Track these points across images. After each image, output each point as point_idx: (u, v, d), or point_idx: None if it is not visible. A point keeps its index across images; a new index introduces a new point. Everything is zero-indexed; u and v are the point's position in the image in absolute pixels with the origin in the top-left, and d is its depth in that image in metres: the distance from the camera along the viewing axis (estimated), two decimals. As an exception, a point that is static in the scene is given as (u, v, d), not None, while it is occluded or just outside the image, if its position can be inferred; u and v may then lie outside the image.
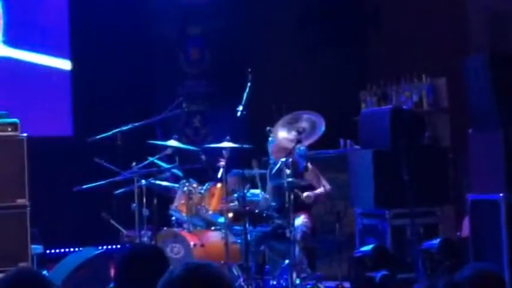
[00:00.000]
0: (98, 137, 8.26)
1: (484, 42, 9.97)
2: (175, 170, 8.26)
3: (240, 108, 7.70)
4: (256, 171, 7.95)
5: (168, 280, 2.49)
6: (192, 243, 7.62)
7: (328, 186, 8.20)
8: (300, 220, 7.88)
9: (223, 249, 7.48)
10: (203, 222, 7.97)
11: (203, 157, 8.29)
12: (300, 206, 7.81)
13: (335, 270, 8.33)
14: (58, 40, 11.13)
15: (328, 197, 8.38)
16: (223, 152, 7.84)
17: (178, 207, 7.96)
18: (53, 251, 10.29)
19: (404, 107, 9.82)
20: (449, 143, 10.13)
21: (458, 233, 8.71)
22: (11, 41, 10.88)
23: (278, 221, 7.78)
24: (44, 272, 7.68)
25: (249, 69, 7.86)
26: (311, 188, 8.07)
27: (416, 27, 10.92)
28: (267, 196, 8.03)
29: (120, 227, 8.15)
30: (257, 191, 8.26)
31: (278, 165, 7.77)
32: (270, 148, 8.14)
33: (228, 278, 2.53)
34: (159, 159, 8.24)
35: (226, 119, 10.27)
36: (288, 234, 7.37)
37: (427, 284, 2.24)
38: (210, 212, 7.81)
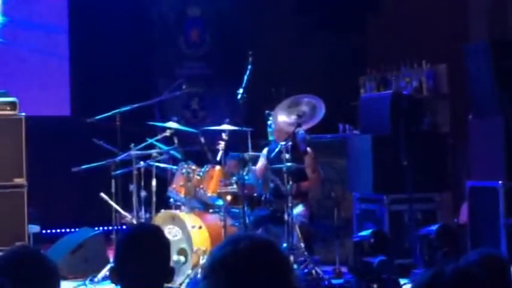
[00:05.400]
0: (96, 117, 8.23)
1: (483, 28, 9.93)
2: (174, 152, 8.23)
3: (241, 91, 7.67)
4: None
5: (234, 251, 2.37)
6: (190, 225, 7.61)
7: (322, 173, 8.26)
8: (299, 209, 7.88)
9: (221, 231, 7.47)
10: (201, 204, 7.94)
11: (202, 139, 8.26)
12: (298, 193, 7.82)
13: (332, 254, 8.33)
14: (57, 20, 11.07)
15: (322, 184, 8.47)
16: (223, 134, 7.81)
17: (177, 189, 7.93)
18: (49, 231, 10.29)
19: (404, 92, 9.78)
20: (449, 129, 10.10)
21: (456, 220, 8.71)
22: (8, 13, 10.81)
23: (276, 205, 7.77)
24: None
25: (250, 52, 7.81)
26: (304, 173, 8.06)
27: (416, 13, 10.87)
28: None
29: (118, 208, 8.13)
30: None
31: (278, 148, 7.74)
32: (271, 131, 8.11)
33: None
34: (157, 141, 8.22)
35: (224, 102, 10.24)
36: (285, 218, 7.37)
37: (433, 270, 2.19)
38: (209, 195, 7.78)
